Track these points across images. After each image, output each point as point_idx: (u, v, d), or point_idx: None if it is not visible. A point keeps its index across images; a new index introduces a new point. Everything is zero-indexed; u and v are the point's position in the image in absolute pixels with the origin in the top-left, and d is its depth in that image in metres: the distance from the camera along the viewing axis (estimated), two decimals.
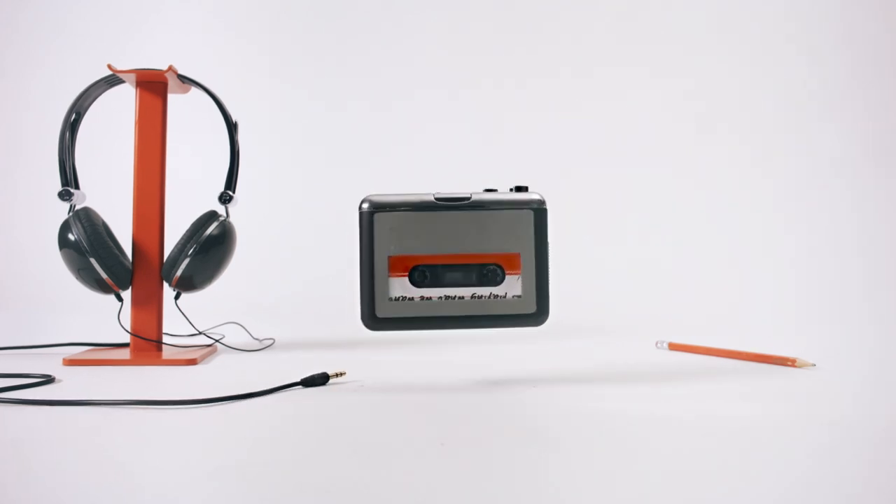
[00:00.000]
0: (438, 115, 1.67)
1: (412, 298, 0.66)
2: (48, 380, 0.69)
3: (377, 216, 0.66)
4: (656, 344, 0.99)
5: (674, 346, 0.97)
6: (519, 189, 0.67)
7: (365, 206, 0.66)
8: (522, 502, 0.38)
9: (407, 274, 0.66)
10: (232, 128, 0.95)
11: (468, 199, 0.66)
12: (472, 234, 0.66)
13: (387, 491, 0.40)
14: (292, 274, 1.52)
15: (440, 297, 0.66)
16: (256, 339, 1.04)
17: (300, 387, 0.68)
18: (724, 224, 1.55)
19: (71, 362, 0.82)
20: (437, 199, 0.66)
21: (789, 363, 0.83)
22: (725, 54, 1.61)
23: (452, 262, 0.66)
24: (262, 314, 1.26)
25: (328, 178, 1.67)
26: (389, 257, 0.66)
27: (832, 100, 1.56)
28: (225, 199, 0.93)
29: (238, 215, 0.95)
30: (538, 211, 0.66)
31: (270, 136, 1.65)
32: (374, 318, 0.66)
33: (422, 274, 0.66)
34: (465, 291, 0.66)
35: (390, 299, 0.66)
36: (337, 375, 0.71)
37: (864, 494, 0.40)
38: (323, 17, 1.71)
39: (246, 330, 1.07)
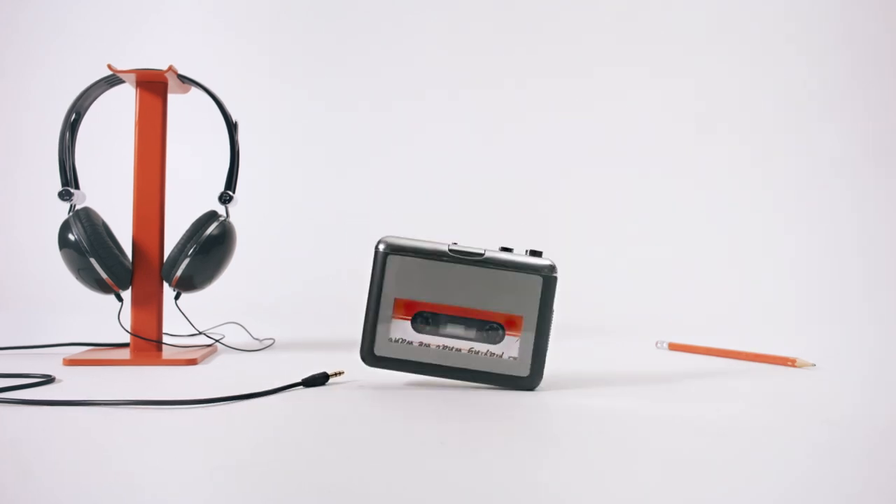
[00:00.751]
0: (438, 115, 1.67)
1: (411, 342, 0.67)
2: (48, 380, 0.69)
3: (391, 258, 0.66)
4: (656, 344, 0.99)
5: (674, 346, 0.97)
6: (534, 253, 0.67)
7: (381, 246, 0.67)
8: (522, 502, 0.38)
9: (410, 318, 0.67)
10: (232, 128, 0.95)
11: (481, 255, 0.66)
12: (479, 290, 0.67)
13: (387, 490, 0.40)
14: (292, 274, 1.52)
15: (438, 346, 0.67)
16: (256, 339, 1.04)
17: (301, 387, 0.68)
18: (724, 224, 1.55)
19: (71, 362, 0.82)
20: (451, 250, 0.66)
21: (789, 363, 0.83)
22: (725, 54, 1.61)
23: (456, 313, 0.67)
24: (262, 314, 1.26)
25: (328, 178, 1.67)
26: (395, 299, 0.67)
27: (832, 100, 1.56)
28: (225, 199, 0.93)
29: (238, 215, 0.95)
30: (547, 279, 0.66)
31: (270, 136, 1.65)
32: (371, 354, 0.67)
33: (424, 320, 0.67)
34: (463, 344, 0.67)
35: (390, 340, 0.67)
36: (336, 374, 0.71)
37: (864, 494, 0.40)
38: (323, 18, 1.71)
39: (246, 330, 1.07)
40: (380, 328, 0.67)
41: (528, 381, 0.67)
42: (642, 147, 1.61)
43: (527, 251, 0.68)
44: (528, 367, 0.67)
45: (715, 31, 1.62)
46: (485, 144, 1.65)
